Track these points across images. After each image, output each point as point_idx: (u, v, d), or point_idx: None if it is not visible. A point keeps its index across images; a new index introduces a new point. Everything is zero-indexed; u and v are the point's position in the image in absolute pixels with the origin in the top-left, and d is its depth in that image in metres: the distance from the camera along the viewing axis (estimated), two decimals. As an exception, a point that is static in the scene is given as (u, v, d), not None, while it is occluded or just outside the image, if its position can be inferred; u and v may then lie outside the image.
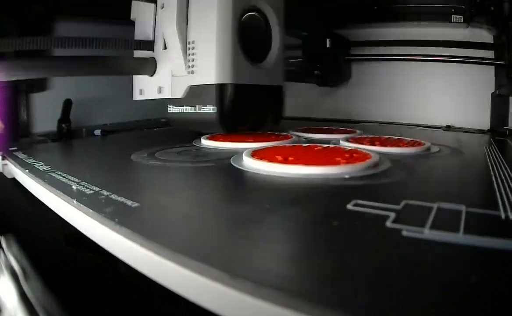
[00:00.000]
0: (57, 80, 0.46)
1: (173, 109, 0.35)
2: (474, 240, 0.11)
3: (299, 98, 0.60)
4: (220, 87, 0.31)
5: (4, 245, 0.20)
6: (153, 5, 0.36)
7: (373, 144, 0.29)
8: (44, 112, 0.44)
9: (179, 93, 0.34)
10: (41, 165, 0.24)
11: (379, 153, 0.24)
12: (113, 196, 0.16)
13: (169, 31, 0.33)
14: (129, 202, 0.16)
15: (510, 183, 0.19)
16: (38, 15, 0.42)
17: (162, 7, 0.35)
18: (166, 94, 0.35)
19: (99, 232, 0.14)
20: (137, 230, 0.13)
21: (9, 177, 0.28)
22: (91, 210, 0.15)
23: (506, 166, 0.23)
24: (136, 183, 0.20)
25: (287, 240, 0.13)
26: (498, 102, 0.48)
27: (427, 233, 0.12)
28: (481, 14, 0.47)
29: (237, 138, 0.33)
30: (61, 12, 0.44)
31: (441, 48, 0.51)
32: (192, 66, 0.33)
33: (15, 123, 0.40)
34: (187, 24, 0.33)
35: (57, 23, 0.44)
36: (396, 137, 0.33)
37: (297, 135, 0.36)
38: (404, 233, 0.12)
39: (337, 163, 0.21)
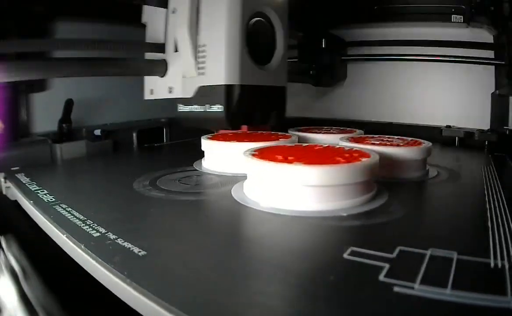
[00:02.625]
0: (56, 80, 0.46)
1: (183, 108, 0.37)
2: (460, 297, 0.12)
3: (295, 98, 0.60)
4: (228, 88, 0.33)
5: (4, 245, 0.20)
6: (164, 9, 0.38)
7: (373, 144, 0.29)
8: (44, 112, 0.44)
9: (189, 93, 0.36)
10: (45, 194, 0.24)
11: (379, 153, 0.24)
12: (119, 241, 0.17)
13: (180, 34, 0.35)
14: (136, 250, 0.16)
15: (505, 219, 0.19)
16: (38, 15, 0.42)
17: (173, 12, 0.37)
18: (177, 94, 0.37)
19: (108, 280, 0.15)
20: (146, 285, 0.13)
21: (12, 199, 0.27)
22: (99, 259, 0.15)
23: (503, 197, 0.23)
24: (140, 222, 0.21)
25: (286, 295, 0.13)
26: (498, 102, 0.48)
27: (417, 289, 0.13)
28: (481, 14, 0.47)
29: (238, 138, 0.33)
30: (61, 13, 0.44)
31: (441, 48, 0.51)
32: (203, 68, 0.35)
33: (15, 123, 0.40)
34: (197, 28, 0.35)
35: (57, 24, 0.44)
36: (397, 137, 0.33)
37: (296, 135, 0.36)
38: (395, 289, 0.13)
39: (336, 162, 0.21)
